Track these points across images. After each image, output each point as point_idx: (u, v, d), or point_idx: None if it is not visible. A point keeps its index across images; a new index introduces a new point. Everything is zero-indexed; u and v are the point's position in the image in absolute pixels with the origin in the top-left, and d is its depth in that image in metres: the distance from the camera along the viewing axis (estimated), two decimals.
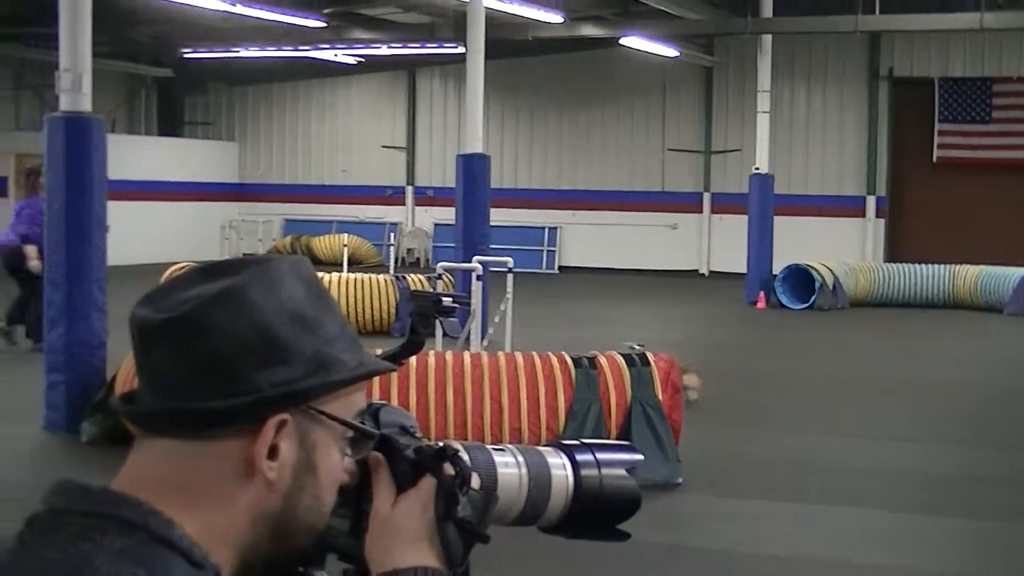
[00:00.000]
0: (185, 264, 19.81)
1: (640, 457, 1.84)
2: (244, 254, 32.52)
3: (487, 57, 18.78)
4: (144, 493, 1.46)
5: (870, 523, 8.93)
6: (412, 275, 19.95)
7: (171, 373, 1.48)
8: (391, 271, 22.66)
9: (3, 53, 29.40)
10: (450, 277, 17.29)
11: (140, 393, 1.53)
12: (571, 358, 9.80)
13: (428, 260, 33.42)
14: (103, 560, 1.39)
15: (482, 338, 15.02)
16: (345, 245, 25.61)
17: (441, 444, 1.63)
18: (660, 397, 9.60)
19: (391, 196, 35.63)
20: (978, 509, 9.36)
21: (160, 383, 1.49)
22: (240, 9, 24.14)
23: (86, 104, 11.39)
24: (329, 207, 35.77)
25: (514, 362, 9.73)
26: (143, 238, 30.56)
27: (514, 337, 15.34)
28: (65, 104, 11.37)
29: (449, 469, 1.60)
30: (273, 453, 1.50)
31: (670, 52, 29.31)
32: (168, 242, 31.59)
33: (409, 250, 34.94)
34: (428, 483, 1.60)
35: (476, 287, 14.90)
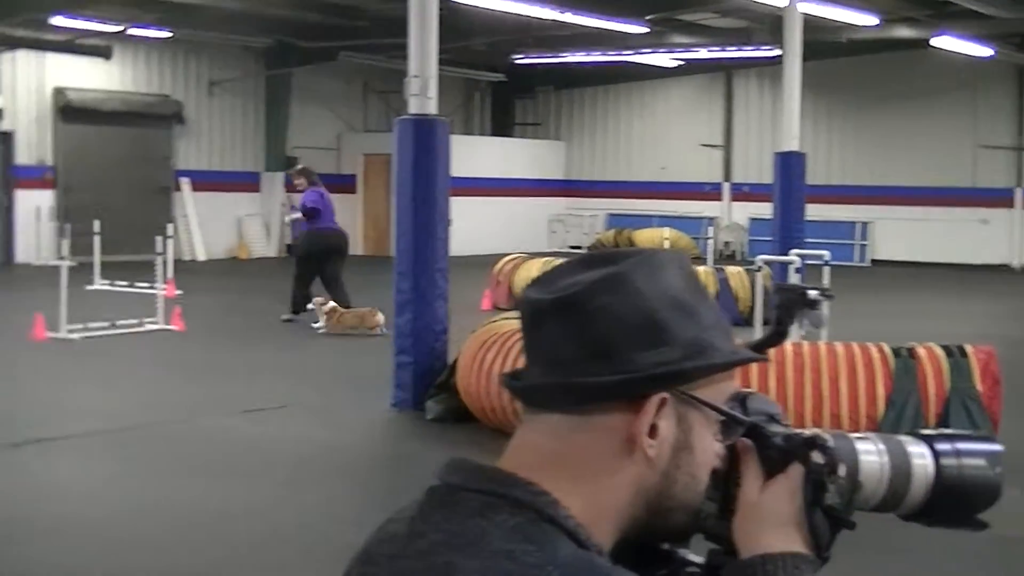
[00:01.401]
0: (516, 256, 20.11)
1: (1001, 448, 1.75)
2: (570, 247, 32.90)
3: (802, 59, 18.50)
4: (532, 472, 1.48)
5: None
6: (730, 267, 19.73)
7: (558, 350, 1.50)
8: (710, 263, 22.52)
9: (354, 62, 30.42)
10: (768, 270, 17.06)
11: (527, 370, 1.55)
12: (890, 348, 9.54)
13: (744, 253, 33.15)
14: (497, 536, 1.41)
15: (801, 329, 14.79)
16: (666, 238, 25.61)
17: (810, 433, 1.60)
18: (979, 388, 9.26)
19: (708, 192, 35.47)
20: None
21: (547, 359, 1.51)
22: (569, 17, 24.37)
23: (432, 107, 11.61)
24: (649, 202, 35.80)
25: (833, 352, 9.54)
26: (477, 231, 31.15)
27: (830, 328, 15.02)
28: (413, 107, 11.60)
29: (818, 457, 1.57)
30: (653, 431, 1.50)
31: (983, 51, 28.26)
32: (499, 235, 32.15)
33: (726, 243, 34.69)
34: (796, 470, 1.57)
35: (794, 279, 14.66)
